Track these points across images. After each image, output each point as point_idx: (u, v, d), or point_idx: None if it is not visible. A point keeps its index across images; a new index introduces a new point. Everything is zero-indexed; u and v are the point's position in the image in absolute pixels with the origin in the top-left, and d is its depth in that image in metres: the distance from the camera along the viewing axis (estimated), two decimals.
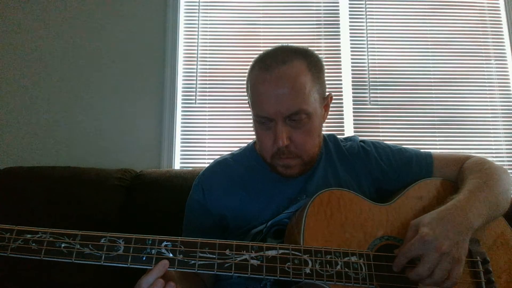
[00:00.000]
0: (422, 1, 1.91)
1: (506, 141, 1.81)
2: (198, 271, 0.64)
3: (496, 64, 1.86)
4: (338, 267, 0.68)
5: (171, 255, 0.64)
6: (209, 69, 1.86)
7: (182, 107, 1.82)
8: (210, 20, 1.89)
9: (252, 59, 0.87)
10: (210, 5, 1.90)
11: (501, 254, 0.78)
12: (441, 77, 1.85)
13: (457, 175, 0.88)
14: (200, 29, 1.88)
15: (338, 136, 1.01)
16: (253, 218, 0.88)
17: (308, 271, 0.66)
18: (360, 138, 1.01)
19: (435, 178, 0.88)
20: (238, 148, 1.03)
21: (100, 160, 1.67)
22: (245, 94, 0.90)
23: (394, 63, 1.87)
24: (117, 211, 1.34)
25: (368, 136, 1.79)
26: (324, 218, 0.74)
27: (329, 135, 1.00)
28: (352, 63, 1.86)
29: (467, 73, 1.85)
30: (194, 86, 1.84)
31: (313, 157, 0.87)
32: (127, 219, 1.33)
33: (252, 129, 0.90)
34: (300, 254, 0.67)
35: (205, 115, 1.82)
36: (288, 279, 0.66)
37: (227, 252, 0.66)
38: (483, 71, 1.86)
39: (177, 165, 1.76)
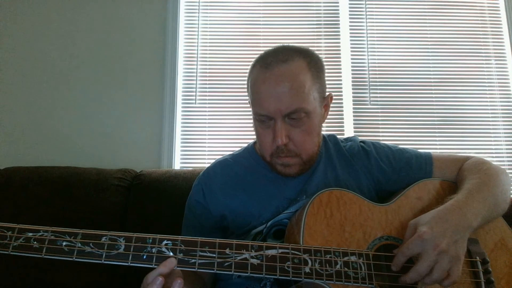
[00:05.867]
0: (422, 1, 1.91)
1: (506, 141, 1.81)
2: (198, 270, 0.64)
3: (496, 64, 1.87)
4: (338, 266, 0.68)
5: (171, 253, 0.64)
6: (209, 69, 1.86)
7: (182, 107, 1.82)
8: (210, 20, 1.90)
9: (252, 59, 0.88)
10: (210, 5, 1.91)
11: (501, 256, 0.78)
12: (441, 77, 1.85)
13: (456, 176, 0.88)
14: (200, 29, 1.88)
15: (338, 137, 1.01)
16: (253, 218, 0.88)
17: (307, 270, 0.66)
18: (360, 138, 1.01)
19: (435, 179, 0.88)
20: (238, 149, 1.03)
21: (100, 160, 1.67)
22: (245, 94, 0.90)
23: (394, 63, 1.87)
24: (117, 211, 1.34)
25: (368, 136, 1.80)
26: (324, 218, 0.74)
27: (329, 135, 1.00)
28: (352, 63, 1.87)
29: (467, 73, 1.86)
30: (194, 86, 1.84)
31: (312, 157, 0.87)
32: (127, 219, 1.34)
33: (252, 129, 0.90)
34: (300, 254, 0.67)
35: (205, 115, 1.82)
36: (288, 278, 0.66)
37: (227, 251, 0.66)
38: (483, 71, 1.86)
39: (177, 165, 1.76)
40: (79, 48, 1.82)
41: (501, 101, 1.84)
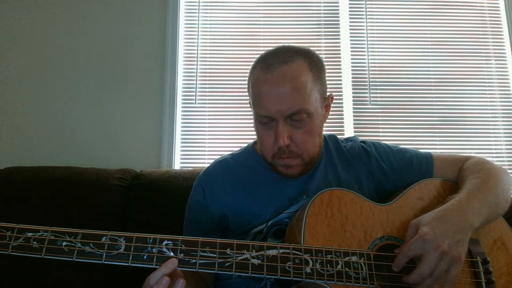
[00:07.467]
0: (422, 1, 1.91)
1: (506, 141, 1.81)
2: (199, 270, 0.64)
3: (496, 64, 1.86)
4: (339, 266, 0.68)
5: (172, 254, 0.64)
6: (209, 69, 1.86)
7: (182, 107, 1.82)
8: (210, 20, 1.89)
9: (252, 59, 0.87)
10: (210, 5, 1.90)
11: (501, 256, 0.78)
12: (441, 77, 1.85)
13: (457, 176, 0.88)
14: (200, 29, 1.88)
15: (339, 137, 1.01)
16: (253, 218, 0.88)
17: (308, 270, 0.66)
18: (360, 138, 1.01)
19: (435, 179, 0.88)
20: (238, 148, 1.03)
21: (100, 160, 1.66)
22: (246, 94, 0.90)
23: (394, 63, 1.87)
24: (117, 211, 1.34)
25: (368, 136, 1.79)
26: (325, 217, 0.74)
27: (329, 136, 1.00)
28: (352, 63, 1.87)
29: (467, 73, 1.86)
30: (194, 86, 1.84)
31: (313, 157, 0.87)
32: (127, 219, 1.33)
33: (252, 129, 0.90)
34: (301, 254, 0.67)
35: (205, 115, 1.82)
36: (289, 278, 0.66)
37: (228, 251, 0.66)
38: (483, 71, 1.86)
39: (177, 165, 1.76)
40: (79, 47, 1.81)
41: (501, 101, 1.84)
